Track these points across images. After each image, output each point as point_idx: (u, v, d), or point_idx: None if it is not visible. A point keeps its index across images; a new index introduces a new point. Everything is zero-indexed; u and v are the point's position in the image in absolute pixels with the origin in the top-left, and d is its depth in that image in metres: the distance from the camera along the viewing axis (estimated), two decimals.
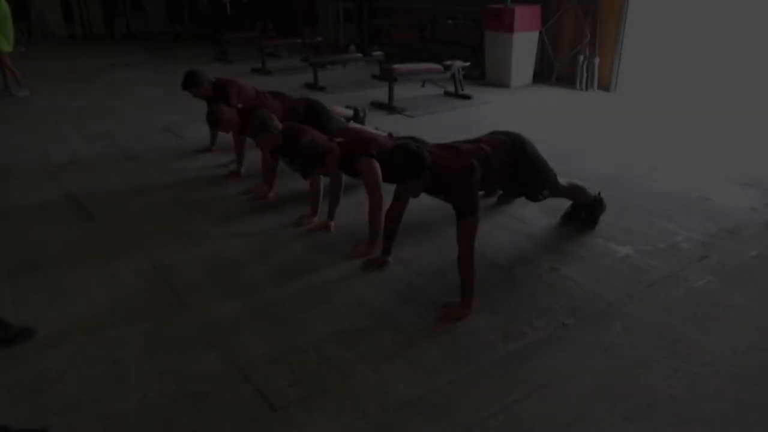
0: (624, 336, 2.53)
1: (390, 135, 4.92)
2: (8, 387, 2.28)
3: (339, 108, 5.65)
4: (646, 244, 3.34)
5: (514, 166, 3.02)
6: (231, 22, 13.51)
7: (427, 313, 2.70)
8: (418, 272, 3.08)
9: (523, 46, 7.81)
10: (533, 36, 7.89)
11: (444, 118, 6.43)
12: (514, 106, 6.94)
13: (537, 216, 3.73)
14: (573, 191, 3.42)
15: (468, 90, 7.40)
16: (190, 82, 4.74)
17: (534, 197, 3.28)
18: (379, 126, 5.18)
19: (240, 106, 4.47)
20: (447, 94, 7.47)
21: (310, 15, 12.00)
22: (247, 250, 3.39)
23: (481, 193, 3.09)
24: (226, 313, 2.76)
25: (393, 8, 11.12)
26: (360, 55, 8.77)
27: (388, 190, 3.13)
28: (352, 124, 5.17)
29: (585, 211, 3.55)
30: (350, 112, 5.67)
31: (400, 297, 2.88)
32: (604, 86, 7.56)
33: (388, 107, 6.74)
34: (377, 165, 3.25)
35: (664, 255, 3.22)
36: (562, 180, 3.29)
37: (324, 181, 3.69)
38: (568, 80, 7.88)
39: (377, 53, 8.47)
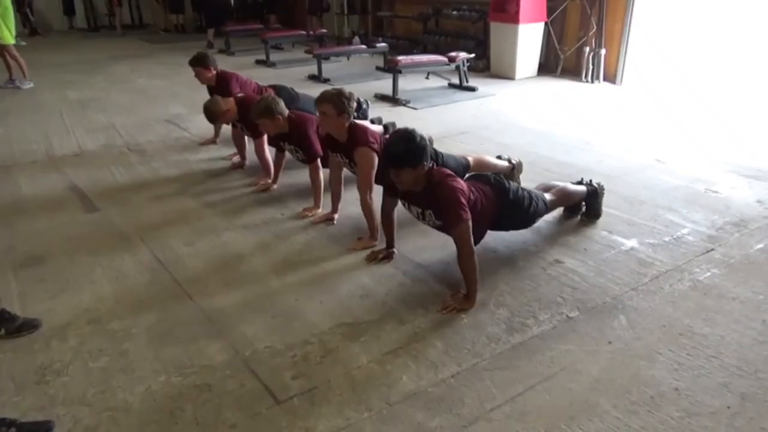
0: (628, 329, 2.52)
1: (386, 127, 4.92)
2: (14, 379, 2.29)
3: None
4: (652, 237, 3.33)
5: (498, 212, 2.94)
6: (235, 14, 13.47)
7: (431, 306, 2.70)
8: (422, 265, 3.08)
9: (528, 38, 7.77)
10: (539, 27, 7.84)
11: (448, 110, 6.40)
12: (519, 98, 6.91)
13: None
14: (564, 198, 3.38)
15: (473, 82, 7.37)
16: (198, 61, 4.74)
17: (527, 227, 3.22)
18: (382, 117, 5.17)
19: (240, 94, 4.45)
20: (451, 86, 7.44)
21: (320, 3, 11.90)
22: (251, 242, 3.40)
23: None
24: (231, 304, 2.77)
25: None
26: (364, 46, 8.73)
27: (377, 191, 3.16)
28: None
29: (586, 202, 3.53)
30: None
31: (404, 289, 2.87)
32: (611, 78, 7.52)
33: (392, 99, 6.72)
34: (375, 158, 3.21)
35: (670, 248, 3.21)
36: (549, 195, 3.25)
37: (324, 174, 3.69)
38: (573, 72, 7.84)
39: (381, 45, 8.43)
